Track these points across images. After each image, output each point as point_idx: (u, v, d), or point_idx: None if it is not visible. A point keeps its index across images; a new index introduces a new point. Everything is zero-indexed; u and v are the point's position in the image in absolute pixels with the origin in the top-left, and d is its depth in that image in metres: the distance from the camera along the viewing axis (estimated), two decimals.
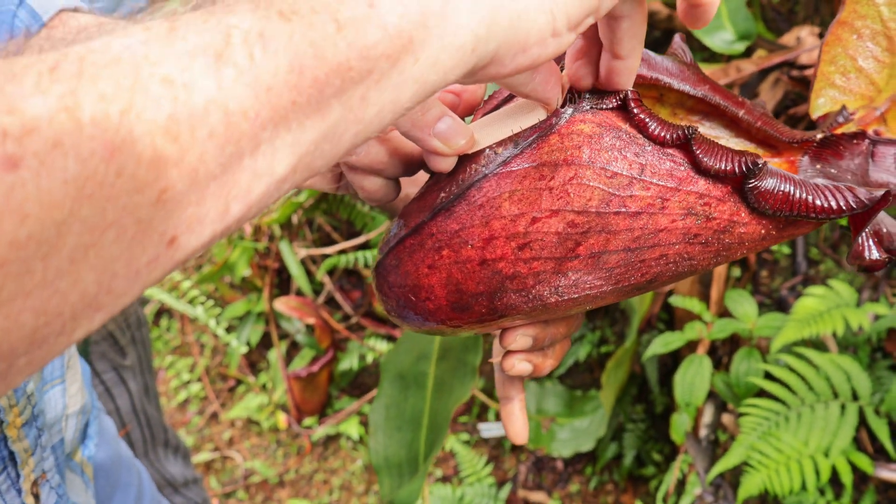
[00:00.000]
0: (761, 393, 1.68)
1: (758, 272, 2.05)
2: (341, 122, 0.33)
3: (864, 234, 0.49)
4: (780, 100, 1.73)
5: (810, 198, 0.46)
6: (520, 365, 0.54)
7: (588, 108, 0.47)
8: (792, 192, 0.46)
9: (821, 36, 1.75)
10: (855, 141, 0.52)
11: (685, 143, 0.46)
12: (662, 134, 0.46)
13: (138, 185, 0.26)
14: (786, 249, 2.03)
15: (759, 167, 0.46)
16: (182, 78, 0.28)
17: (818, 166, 0.54)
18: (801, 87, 1.59)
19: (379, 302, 0.51)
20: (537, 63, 0.39)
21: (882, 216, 0.51)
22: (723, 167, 0.46)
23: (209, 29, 0.29)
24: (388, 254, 0.51)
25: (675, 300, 1.84)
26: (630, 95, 0.47)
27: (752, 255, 2.05)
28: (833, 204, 0.46)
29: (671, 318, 2.14)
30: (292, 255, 2.86)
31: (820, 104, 0.57)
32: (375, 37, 0.32)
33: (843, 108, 0.54)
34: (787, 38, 1.72)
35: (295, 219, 2.97)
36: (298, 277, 2.89)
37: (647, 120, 0.46)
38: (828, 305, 1.59)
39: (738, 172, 0.46)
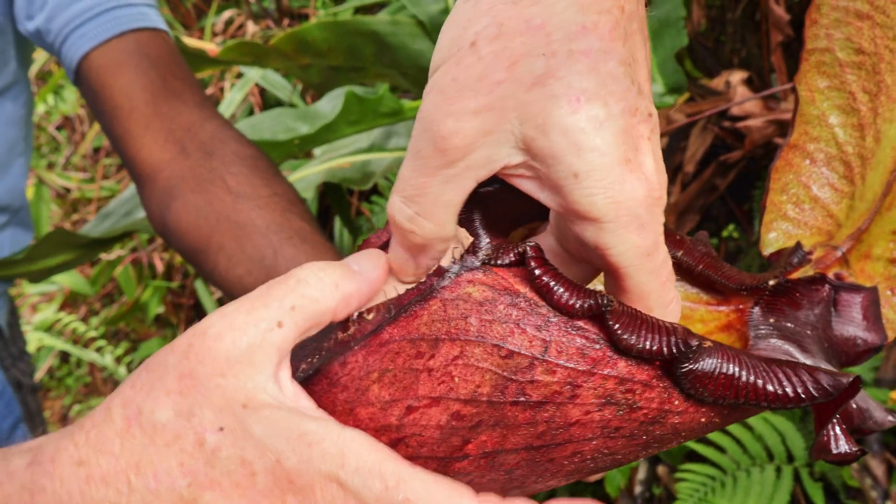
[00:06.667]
0: (698, 455, 1.62)
1: None
2: None
3: (830, 422, 0.41)
4: (710, 146, 1.69)
5: (760, 382, 0.37)
6: None
7: (478, 264, 0.37)
8: (737, 374, 0.37)
9: (750, 81, 1.71)
10: (814, 287, 0.44)
11: (599, 315, 0.36)
12: (571, 302, 0.36)
13: None
14: None
15: (693, 349, 0.36)
16: None
17: (772, 320, 0.45)
18: (731, 137, 1.54)
19: None
20: None
21: None
22: (647, 347, 0.36)
23: None
24: None
25: None
26: (529, 252, 0.36)
27: None
28: (790, 391, 0.37)
29: None
30: (208, 293, 2.71)
31: (771, 239, 0.49)
32: None
33: (799, 245, 0.46)
34: (717, 83, 1.68)
35: None
36: None
37: (552, 284, 0.36)
38: None
39: (668, 354, 0.36)
